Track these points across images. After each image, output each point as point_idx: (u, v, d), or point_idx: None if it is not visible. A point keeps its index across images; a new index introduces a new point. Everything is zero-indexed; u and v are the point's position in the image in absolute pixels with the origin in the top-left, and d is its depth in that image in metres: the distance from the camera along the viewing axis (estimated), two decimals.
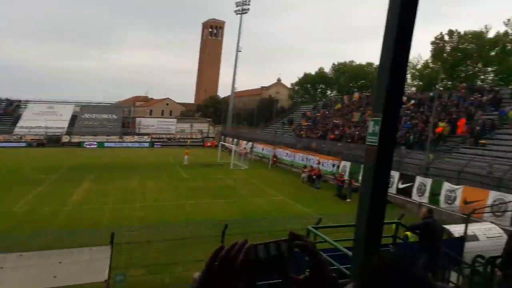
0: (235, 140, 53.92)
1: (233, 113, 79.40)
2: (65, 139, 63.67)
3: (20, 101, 73.65)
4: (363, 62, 77.31)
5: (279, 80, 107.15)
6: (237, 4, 74.00)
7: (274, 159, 39.21)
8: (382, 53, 3.33)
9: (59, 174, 30.88)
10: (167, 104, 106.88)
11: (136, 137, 68.27)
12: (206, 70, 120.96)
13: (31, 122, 67.52)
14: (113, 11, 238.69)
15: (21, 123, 67.41)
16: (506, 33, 46.84)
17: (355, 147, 29.24)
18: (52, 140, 62.60)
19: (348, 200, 22.76)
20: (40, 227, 15.61)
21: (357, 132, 34.15)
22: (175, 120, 79.66)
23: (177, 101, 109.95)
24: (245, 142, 50.67)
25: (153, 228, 15.28)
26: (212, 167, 37.83)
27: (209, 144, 68.46)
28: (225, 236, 10.80)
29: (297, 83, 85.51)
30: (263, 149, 44.75)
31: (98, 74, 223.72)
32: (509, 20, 46.23)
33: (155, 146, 66.13)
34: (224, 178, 30.54)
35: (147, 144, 66.47)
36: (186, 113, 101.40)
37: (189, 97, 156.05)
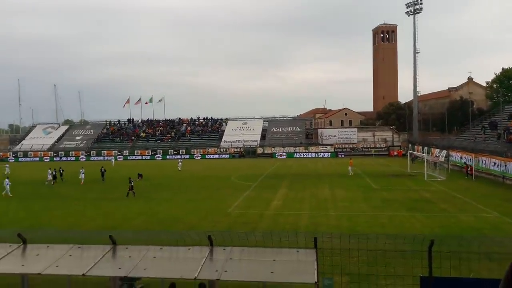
0: (425, 148, 49.69)
1: (419, 119, 73.80)
2: (259, 150, 71.20)
3: (221, 119, 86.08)
4: None
5: (470, 79, 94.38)
6: (408, 6, 69.36)
7: (466, 168, 34.68)
8: None
9: (259, 181, 34.58)
10: (346, 114, 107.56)
11: (320, 147, 70.90)
12: (382, 76, 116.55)
13: (231, 136, 77.99)
14: (280, 33, 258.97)
15: (224, 137, 78.63)
16: None
17: None
18: (249, 152, 70.92)
19: None
20: (251, 227, 17.77)
21: None
22: (355, 129, 79.33)
23: (355, 110, 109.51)
24: (437, 150, 46.18)
25: (353, 237, 15.43)
26: (402, 177, 35.87)
27: (395, 153, 65.34)
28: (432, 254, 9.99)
29: (494, 81, 73.61)
30: (461, 158, 39.88)
31: (277, 91, 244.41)
32: None
33: (339, 155, 67.01)
34: (419, 190, 28.41)
35: (330, 154, 68.06)
36: (366, 121, 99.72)
37: (367, 106, 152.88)
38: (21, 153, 77.38)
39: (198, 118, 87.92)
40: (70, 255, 8.25)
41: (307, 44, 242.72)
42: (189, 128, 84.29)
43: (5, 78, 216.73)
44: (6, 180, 30.18)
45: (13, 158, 74.80)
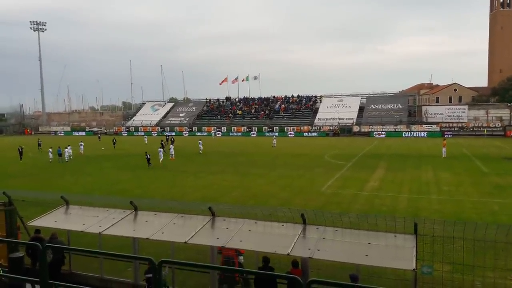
0: None
1: None
2: (356, 129, 68.96)
3: (315, 96, 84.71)
4: None
5: None
6: None
7: None
8: None
9: (354, 161, 33.56)
10: (455, 90, 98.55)
11: (424, 126, 66.08)
12: (499, 47, 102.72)
13: (325, 114, 76.54)
14: (379, 4, 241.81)
15: (318, 115, 77.53)
16: None
17: None
18: (344, 130, 69.09)
19: None
20: (344, 208, 17.38)
21: None
22: (466, 106, 72.28)
23: (466, 86, 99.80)
24: None
25: (458, 225, 14.16)
26: None
27: None
28: None
29: None
30: None
31: (376, 66, 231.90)
32: None
33: (446, 135, 61.88)
34: None
35: (436, 134, 63.12)
36: (479, 98, 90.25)
37: (480, 80, 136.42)
38: (133, 127, 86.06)
39: (292, 95, 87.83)
40: (174, 223, 8.95)
41: (409, 14, 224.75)
42: (283, 105, 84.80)
43: (119, 59, 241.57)
44: (160, 149, 35.16)
45: (126, 132, 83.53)
